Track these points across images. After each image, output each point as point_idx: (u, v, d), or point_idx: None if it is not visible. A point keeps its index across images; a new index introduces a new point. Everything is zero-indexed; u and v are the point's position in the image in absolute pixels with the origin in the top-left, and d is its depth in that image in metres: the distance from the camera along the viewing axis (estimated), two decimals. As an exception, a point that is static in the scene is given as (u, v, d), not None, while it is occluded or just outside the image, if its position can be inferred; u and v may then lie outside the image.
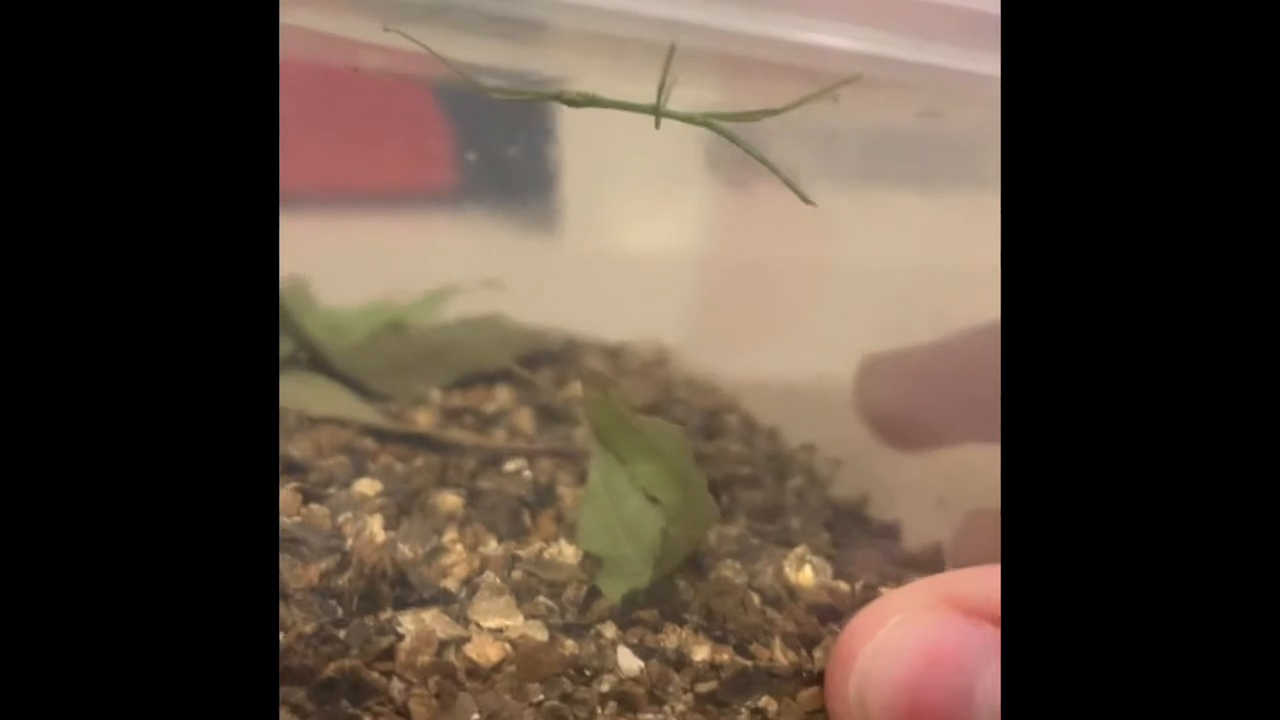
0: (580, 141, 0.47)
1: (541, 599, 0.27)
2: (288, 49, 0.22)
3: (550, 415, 0.39)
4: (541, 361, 0.45)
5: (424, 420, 0.38)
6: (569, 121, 0.47)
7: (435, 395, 0.39)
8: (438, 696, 0.24)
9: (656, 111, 0.25)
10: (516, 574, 0.27)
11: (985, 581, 0.25)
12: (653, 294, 0.49)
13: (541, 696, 0.25)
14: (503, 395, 0.40)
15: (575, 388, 0.42)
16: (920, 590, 0.26)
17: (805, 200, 0.25)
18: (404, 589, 0.27)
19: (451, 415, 0.39)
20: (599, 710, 0.25)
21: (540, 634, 0.25)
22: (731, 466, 0.37)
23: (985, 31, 0.25)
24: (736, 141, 0.25)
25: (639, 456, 0.27)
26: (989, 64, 0.26)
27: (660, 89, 0.24)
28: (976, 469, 0.37)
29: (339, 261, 0.43)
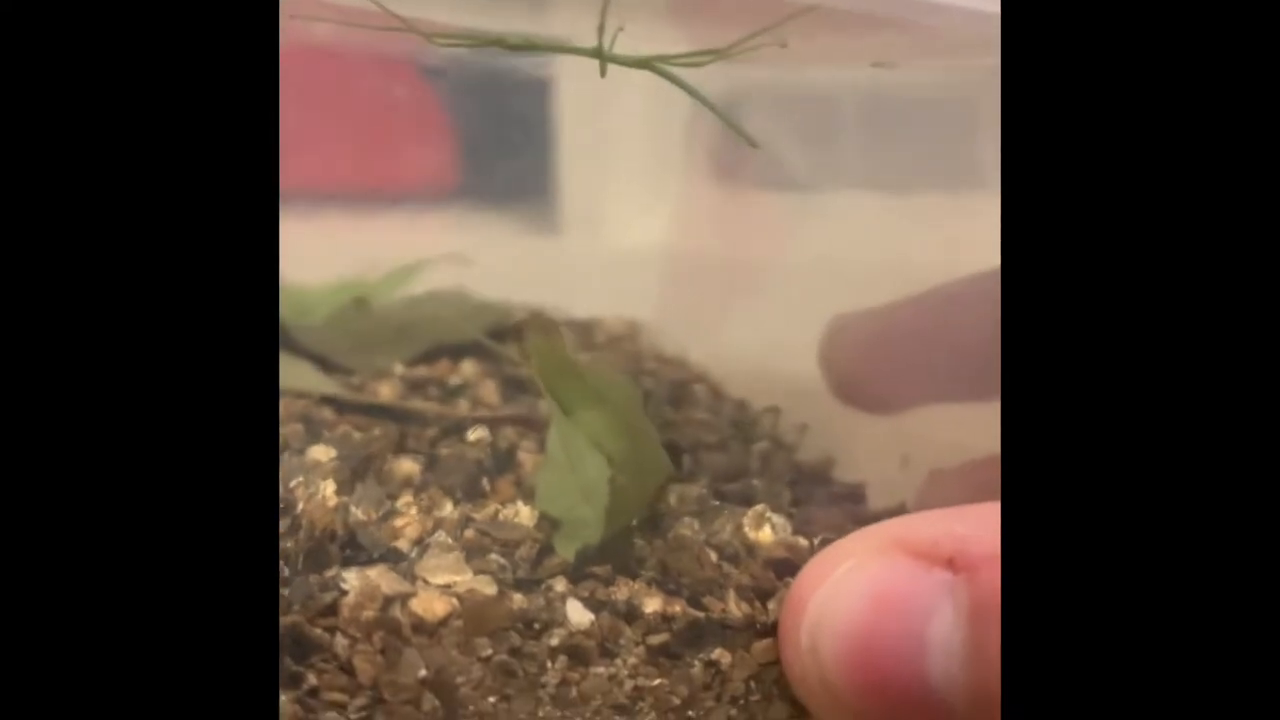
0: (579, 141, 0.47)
1: (493, 556, 0.26)
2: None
3: (516, 387, 0.39)
4: (508, 335, 0.45)
5: (386, 392, 0.38)
6: (568, 120, 0.47)
7: (398, 369, 0.39)
8: (383, 652, 0.24)
9: (600, 55, 0.24)
10: (469, 534, 0.27)
11: (936, 525, 0.25)
12: (640, 286, 0.49)
13: (490, 651, 0.24)
14: (467, 368, 0.40)
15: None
16: (871, 535, 0.25)
17: (750, 143, 0.25)
18: (353, 549, 0.26)
19: (415, 387, 0.38)
20: (549, 664, 0.25)
21: (489, 588, 0.25)
22: (697, 432, 0.36)
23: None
24: (680, 84, 0.25)
25: (585, 405, 0.27)
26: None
27: (600, 32, 0.24)
28: (940, 429, 0.37)
29: (335, 258, 0.43)
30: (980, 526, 0.24)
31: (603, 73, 0.25)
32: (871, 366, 0.37)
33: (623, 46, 0.25)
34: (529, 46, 0.24)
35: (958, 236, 0.37)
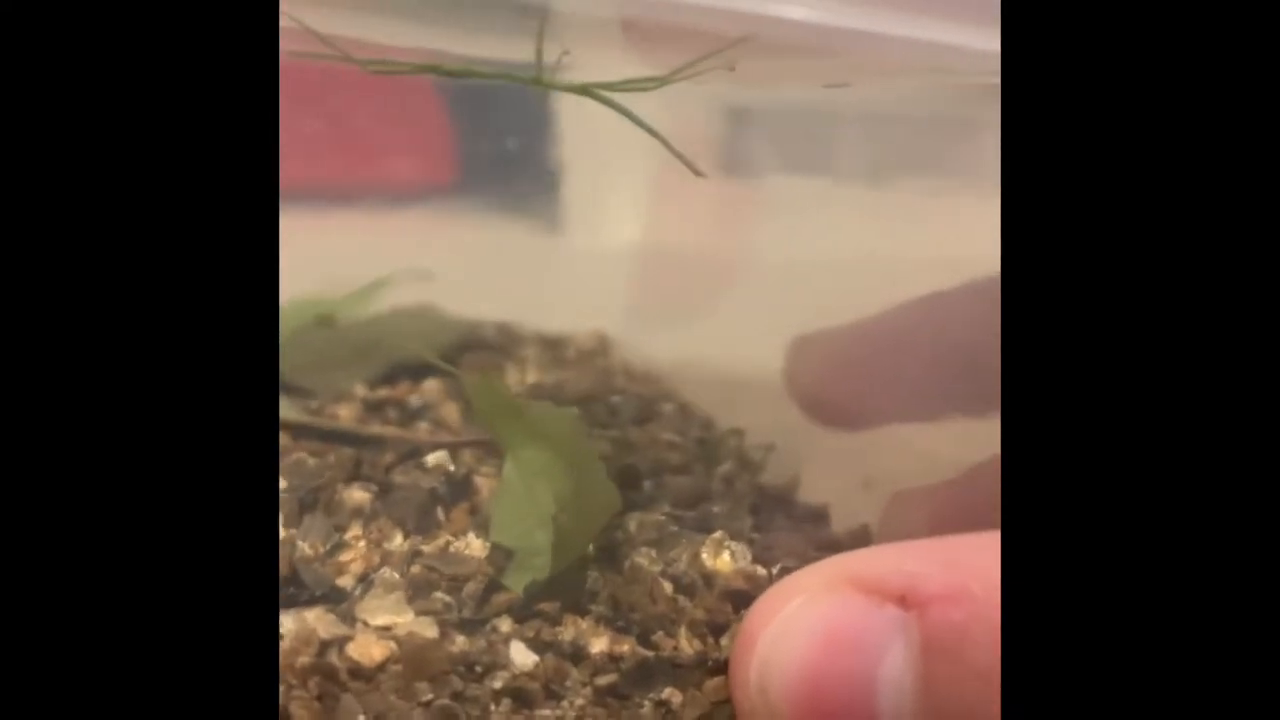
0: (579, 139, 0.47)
1: (438, 594, 0.26)
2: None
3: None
4: (474, 351, 0.44)
5: (345, 415, 0.37)
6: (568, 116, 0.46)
7: (359, 390, 0.39)
8: (319, 699, 0.23)
9: (538, 82, 0.24)
10: (415, 569, 0.26)
11: (887, 560, 0.24)
12: (610, 285, 0.49)
13: (431, 695, 0.24)
14: (430, 388, 0.39)
15: (505, 380, 0.42)
16: (822, 571, 0.25)
17: (696, 172, 0.24)
18: (296, 588, 0.26)
19: (374, 409, 0.38)
20: (492, 707, 0.24)
21: (429, 630, 0.24)
22: (660, 453, 0.36)
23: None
24: (620, 110, 0.24)
25: (526, 442, 0.26)
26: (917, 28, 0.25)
27: (538, 55, 0.23)
28: (904, 448, 0.37)
29: (334, 259, 0.43)
30: (931, 563, 0.24)
31: (543, 91, 0.24)
32: (838, 382, 0.37)
33: (588, 73, 0.24)
34: (466, 73, 0.24)
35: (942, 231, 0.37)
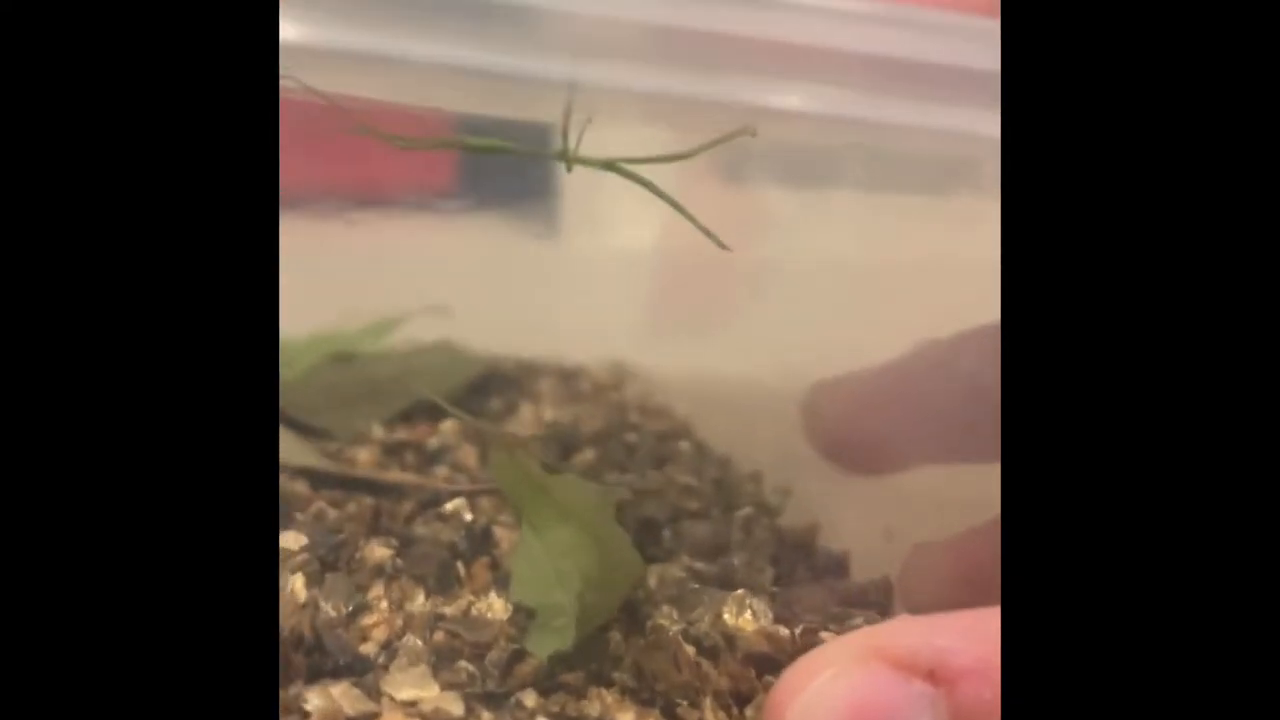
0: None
1: (462, 663, 0.26)
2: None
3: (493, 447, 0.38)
4: (493, 389, 0.44)
5: (364, 458, 0.37)
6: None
7: (377, 431, 0.39)
8: (348, 776, 0.23)
9: (565, 158, 0.24)
10: (439, 635, 0.26)
11: (917, 635, 0.24)
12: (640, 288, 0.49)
13: (457, 773, 0.24)
14: (447, 428, 0.39)
15: (521, 419, 0.42)
16: (851, 643, 0.25)
17: (720, 245, 0.24)
18: (320, 655, 0.26)
19: (393, 451, 0.38)
20: (519, 784, 0.24)
21: (455, 707, 0.24)
22: (678, 499, 0.36)
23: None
24: (645, 185, 0.24)
25: (553, 522, 0.26)
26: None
27: (564, 135, 0.23)
28: (926, 494, 0.37)
29: (333, 264, 0.42)
30: (960, 637, 0.23)
31: (568, 169, 0.24)
32: (858, 427, 0.37)
33: (590, 140, 0.24)
34: (494, 148, 0.24)
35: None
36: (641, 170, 0.24)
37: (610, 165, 0.24)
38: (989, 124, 0.23)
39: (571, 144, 0.24)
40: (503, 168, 0.48)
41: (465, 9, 0.23)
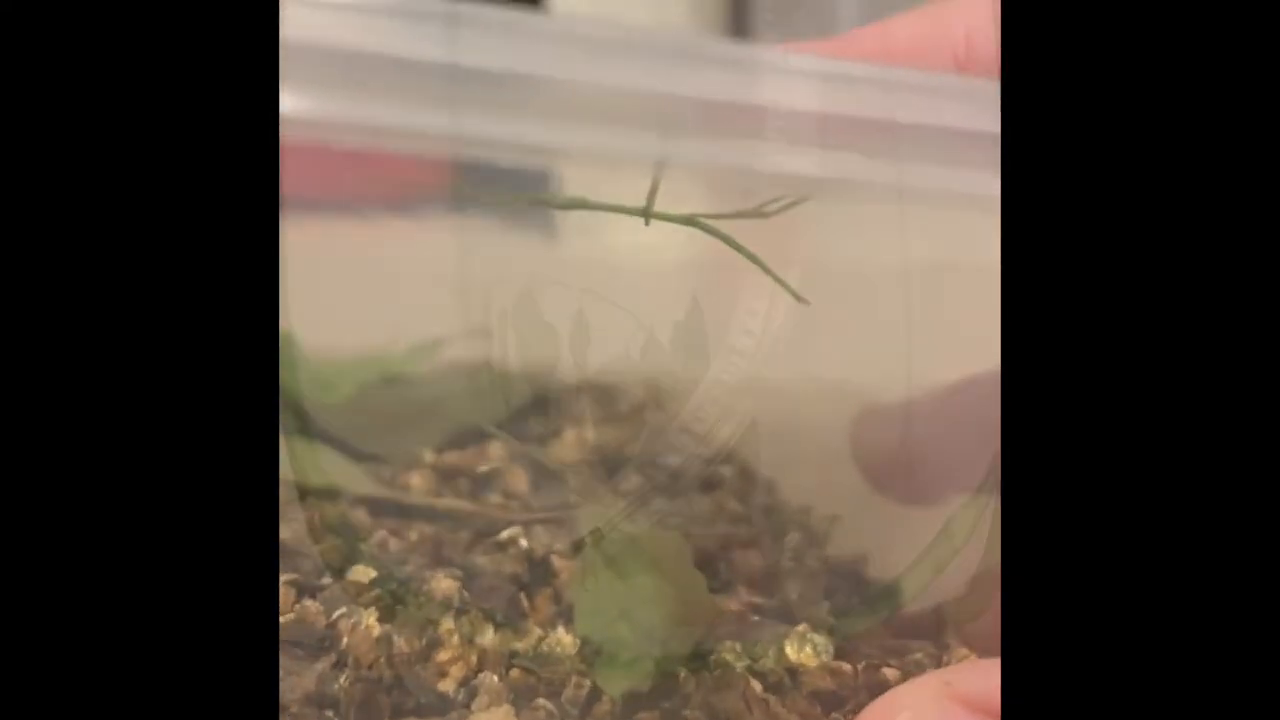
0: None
1: (541, 701, 0.26)
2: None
3: (542, 471, 0.38)
4: (534, 411, 0.44)
5: (418, 483, 0.37)
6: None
7: (428, 455, 0.39)
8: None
9: (646, 213, 0.24)
10: (514, 673, 0.27)
11: (988, 677, 0.25)
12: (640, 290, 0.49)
13: (548, 814, 0.24)
14: (495, 451, 0.39)
15: (565, 442, 0.42)
16: (925, 686, 0.25)
17: (798, 299, 0.25)
18: (400, 694, 0.26)
19: (445, 477, 0.38)
20: (604, 825, 0.25)
21: (542, 747, 0.25)
22: (729, 527, 0.36)
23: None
24: (725, 239, 0.25)
25: (639, 571, 0.27)
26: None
27: (651, 194, 0.24)
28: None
29: (333, 267, 0.43)
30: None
31: (646, 223, 0.25)
32: (907, 457, 0.37)
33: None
34: (576, 205, 0.24)
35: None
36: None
37: (690, 220, 0.24)
38: (989, 185, 0.23)
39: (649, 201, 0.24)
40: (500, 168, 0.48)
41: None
